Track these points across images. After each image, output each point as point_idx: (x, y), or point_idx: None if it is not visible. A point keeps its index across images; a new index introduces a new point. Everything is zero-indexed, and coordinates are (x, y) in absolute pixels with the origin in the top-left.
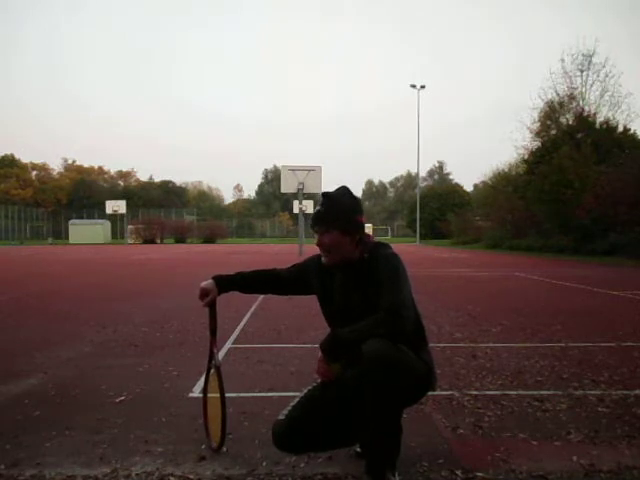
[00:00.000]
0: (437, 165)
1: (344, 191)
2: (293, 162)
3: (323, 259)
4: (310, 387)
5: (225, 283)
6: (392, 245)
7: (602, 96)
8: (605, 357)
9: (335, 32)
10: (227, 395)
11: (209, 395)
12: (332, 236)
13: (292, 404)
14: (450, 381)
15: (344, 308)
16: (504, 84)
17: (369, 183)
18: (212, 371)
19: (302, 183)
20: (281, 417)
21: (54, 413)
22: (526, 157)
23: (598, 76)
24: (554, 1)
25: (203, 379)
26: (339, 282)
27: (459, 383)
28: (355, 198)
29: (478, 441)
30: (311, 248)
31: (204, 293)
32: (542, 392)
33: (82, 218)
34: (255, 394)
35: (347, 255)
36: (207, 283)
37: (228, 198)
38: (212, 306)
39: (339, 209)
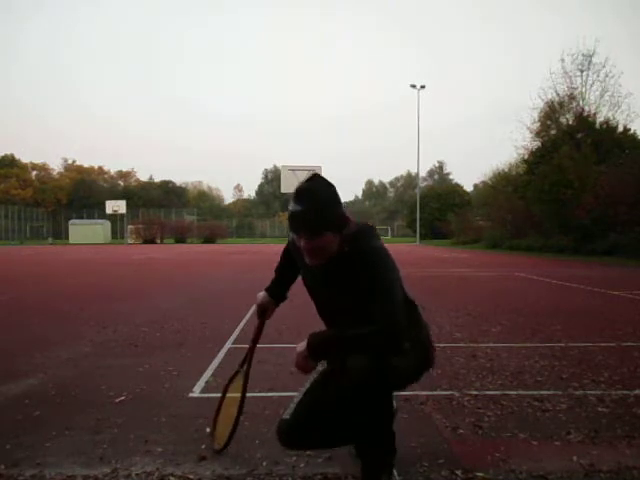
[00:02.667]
0: (437, 165)
1: (321, 182)
2: (293, 162)
3: (309, 261)
4: (310, 382)
5: (280, 294)
6: (392, 245)
7: (602, 96)
8: (605, 357)
9: (335, 32)
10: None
11: (228, 395)
12: (324, 239)
13: (295, 401)
14: (450, 381)
15: (321, 298)
16: (504, 84)
17: (369, 183)
18: (240, 373)
19: None
20: (286, 417)
21: (54, 413)
22: (526, 157)
23: (598, 76)
24: (554, 1)
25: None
26: (314, 274)
27: (459, 383)
28: (332, 187)
29: (478, 441)
30: None
31: (262, 310)
32: (542, 392)
33: (82, 218)
34: (255, 394)
35: (333, 254)
36: (264, 300)
37: (228, 198)
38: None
39: (326, 208)
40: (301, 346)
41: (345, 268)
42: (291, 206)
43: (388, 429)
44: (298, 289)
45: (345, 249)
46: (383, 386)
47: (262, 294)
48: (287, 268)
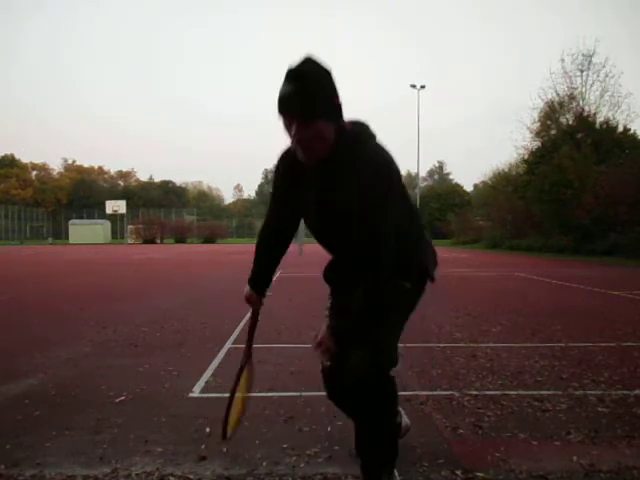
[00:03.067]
0: (437, 165)
1: (316, 64)
2: None
3: (301, 157)
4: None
5: (264, 288)
6: None
7: (602, 96)
8: (605, 357)
9: (335, 32)
10: (227, 395)
11: (237, 395)
12: (317, 128)
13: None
14: (450, 381)
15: (313, 215)
16: (504, 84)
17: None
18: (244, 371)
19: None
20: (327, 363)
21: (54, 413)
22: (526, 157)
23: (598, 76)
24: (554, 1)
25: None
26: (307, 184)
27: (459, 383)
28: (329, 72)
29: (478, 441)
30: (311, 248)
31: (249, 301)
32: (542, 392)
33: (82, 218)
34: (255, 394)
35: (323, 152)
36: (250, 295)
37: (228, 198)
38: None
39: (321, 90)
40: (323, 332)
41: (342, 174)
42: (282, 88)
43: (391, 429)
44: (296, 288)
45: (342, 149)
46: (383, 385)
47: (246, 289)
48: (266, 255)
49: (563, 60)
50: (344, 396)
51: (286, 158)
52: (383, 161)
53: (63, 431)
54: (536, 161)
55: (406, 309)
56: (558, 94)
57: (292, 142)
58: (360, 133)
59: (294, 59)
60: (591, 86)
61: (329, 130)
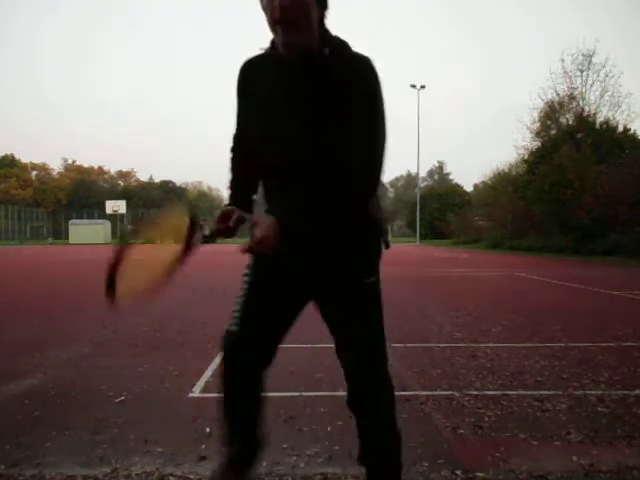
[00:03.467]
0: (437, 165)
1: None
2: None
3: (281, 37)
4: (244, 292)
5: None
6: (392, 245)
7: (602, 96)
8: (605, 357)
9: (334, 32)
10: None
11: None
12: None
13: (237, 313)
14: (450, 381)
15: (287, 122)
16: (504, 84)
17: None
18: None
19: None
20: (233, 328)
21: (54, 413)
22: (526, 157)
23: (598, 76)
24: (555, 1)
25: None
26: (275, 87)
27: (459, 383)
28: None
29: (478, 441)
30: None
31: (224, 214)
32: (542, 392)
33: (82, 218)
34: None
35: (308, 39)
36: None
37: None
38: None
39: None
40: (268, 225)
41: (323, 75)
42: None
43: (393, 432)
44: None
45: (326, 51)
46: (383, 389)
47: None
48: (240, 174)
49: (563, 60)
50: (247, 369)
51: (252, 63)
52: (368, 59)
53: (63, 431)
54: (536, 161)
55: (380, 303)
56: (558, 94)
57: (272, 19)
58: (345, 42)
59: None
60: (591, 86)
61: (315, 11)
